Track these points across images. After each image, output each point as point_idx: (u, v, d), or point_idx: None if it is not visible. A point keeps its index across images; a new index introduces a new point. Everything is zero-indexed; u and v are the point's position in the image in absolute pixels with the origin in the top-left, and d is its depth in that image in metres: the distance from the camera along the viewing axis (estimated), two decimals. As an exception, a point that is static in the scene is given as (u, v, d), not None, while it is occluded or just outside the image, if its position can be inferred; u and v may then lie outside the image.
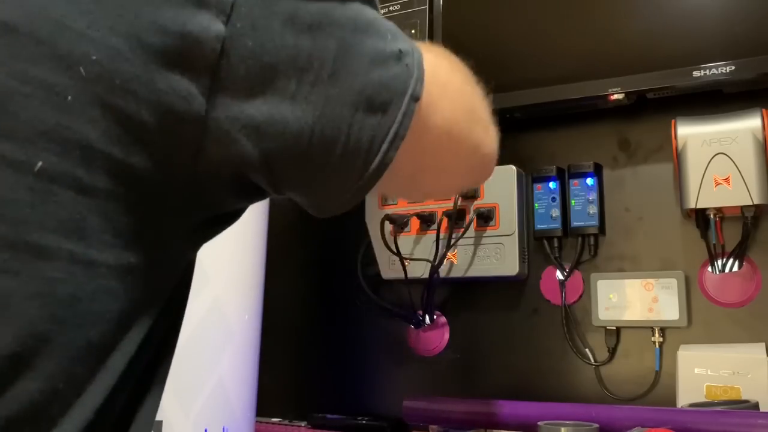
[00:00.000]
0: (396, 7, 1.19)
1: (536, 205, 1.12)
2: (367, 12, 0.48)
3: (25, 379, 0.37)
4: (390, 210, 1.18)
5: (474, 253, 1.12)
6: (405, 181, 0.55)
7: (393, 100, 0.47)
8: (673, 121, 1.00)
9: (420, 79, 0.49)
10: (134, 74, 0.39)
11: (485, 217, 1.11)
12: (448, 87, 0.54)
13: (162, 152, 0.41)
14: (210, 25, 0.40)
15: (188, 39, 0.40)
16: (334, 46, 0.45)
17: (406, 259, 1.15)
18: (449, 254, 1.13)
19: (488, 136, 0.60)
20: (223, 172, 0.44)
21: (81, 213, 0.39)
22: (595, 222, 1.08)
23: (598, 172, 1.10)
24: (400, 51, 0.48)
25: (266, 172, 0.46)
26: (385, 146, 0.47)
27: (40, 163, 0.38)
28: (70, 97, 0.38)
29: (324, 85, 0.44)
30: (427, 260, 1.13)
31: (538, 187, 1.12)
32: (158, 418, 0.63)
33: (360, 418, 1.19)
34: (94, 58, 0.39)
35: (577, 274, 1.11)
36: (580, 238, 1.10)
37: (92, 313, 0.40)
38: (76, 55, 0.38)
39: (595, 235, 1.09)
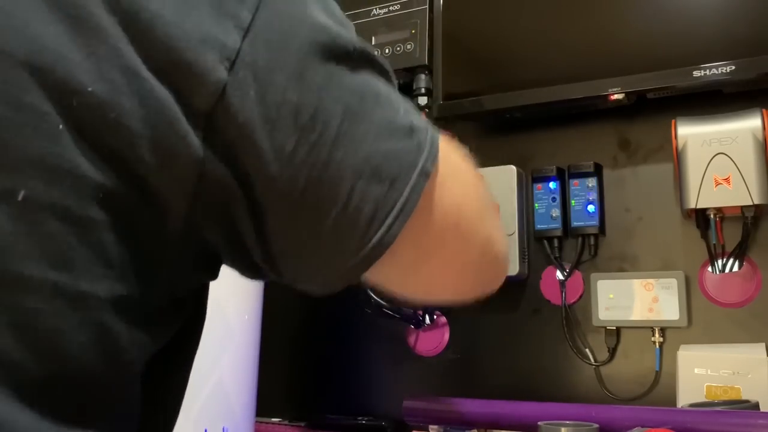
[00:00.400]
0: (396, 7, 1.19)
1: (536, 205, 1.12)
2: (380, 83, 0.47)
3: (10, 409, 0.36)
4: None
5: (474, 253, 1.12)
6: (405, 270, 0.50)
7: (401, 174, 0.44)
8: (673, 121, 1.00)
9: (432, 157, 0.46)
10: (130, 109, 0.38)
11: (485, 217, 1.11)
12: (459, 171, 0.51)
13: (156, 188, 0.40)
14: (213, 68, 0.40)
15: (189, 80, 0.39)
16: (340, 110, 0.43)
17: (406, 259, 1.15)
18: (449, 254, 1.13)
19: (501, 233, 0.56)
20: (215, 215, 0.43)
21: (69, 243, 0.38)
22: (595, 222, 1.08)
23: (598, 172, 1.10)
24: (412, 125, 0.46)
25: (255, 232, 0.43)
26: (389, 220, 0.44)
27: (23, 192, 0.37)
28: (61, 126, 0.37)
29: (326, 147, 0.42)
30: (427, 260, 1.13)
31: (538, 187, 1.12)
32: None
33: (360, 418, 1.19)
34: (90, 89, 0.38)
35: (577, 274, 1.11)
36: (580, 238, 1.10)
37: (78, 347, 0.39)
38: (72, 85, 0.38)
39: (595, 235, 1.09)
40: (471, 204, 0.51)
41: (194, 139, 0.40)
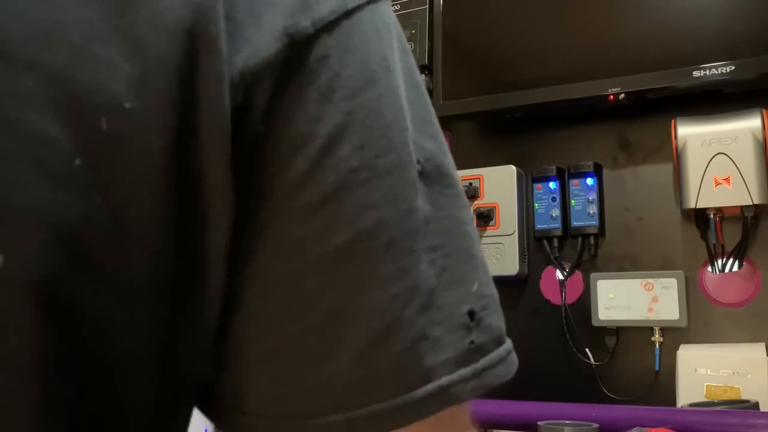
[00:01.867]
0: (396, 8, 1.19)
1: (536, 205, 1.12)
2: None
3: None
4: (390, 210, 1.18)
5: (474, 253, 1.12)
6: None
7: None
8: (673, 121, 1.00)
9: None
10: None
11: (485, 217, 1.11)
12: None
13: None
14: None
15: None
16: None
17: (406, 259, 1.15)
18: (449, 254, 1.13)
19: None
20: None
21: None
22: (595, 222, 1.08)
23: (598, 172, 1.10)
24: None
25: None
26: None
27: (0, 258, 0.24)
28: (78, 162, 0.26)
29: None
30: (427, 260, 1.13)
31: (538, 187, 1.12)
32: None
33: (360, 418, 1.19)
34: (127, 106, 0.26)
35: (577, 274, 1.11)
36: (580, 238, 1.10)
37: None
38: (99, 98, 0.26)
39: (595, 235, 1.09)
40: None
41: None
